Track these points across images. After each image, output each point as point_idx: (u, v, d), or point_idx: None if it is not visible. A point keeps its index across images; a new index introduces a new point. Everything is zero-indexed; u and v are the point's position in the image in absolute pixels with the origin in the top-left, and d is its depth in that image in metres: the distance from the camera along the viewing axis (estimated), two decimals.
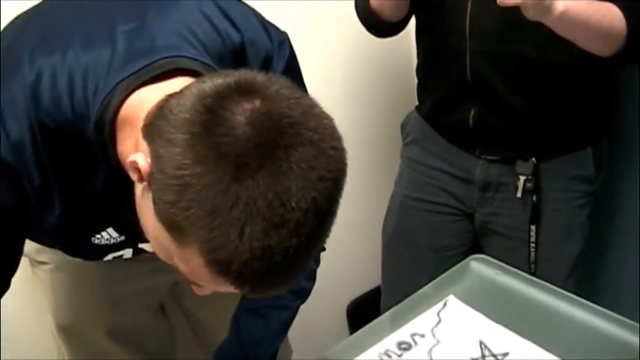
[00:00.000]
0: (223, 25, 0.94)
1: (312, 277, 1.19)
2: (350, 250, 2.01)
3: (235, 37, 0.95)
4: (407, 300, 1.29)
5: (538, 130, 1.48)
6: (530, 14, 1.19)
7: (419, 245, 1.69)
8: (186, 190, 0.68)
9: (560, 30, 1.27)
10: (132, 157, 0.76)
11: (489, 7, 1.38)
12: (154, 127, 0.75)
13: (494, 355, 1.13)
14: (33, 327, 1.51)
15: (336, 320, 2.21)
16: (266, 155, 0.68)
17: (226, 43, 0.94)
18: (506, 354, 1.13)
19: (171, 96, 0.76)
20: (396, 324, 1.22)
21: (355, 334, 1.26)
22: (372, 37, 1.59)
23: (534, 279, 1.30)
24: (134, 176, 0.77)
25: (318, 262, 1.24)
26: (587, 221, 1.58)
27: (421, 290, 1.31)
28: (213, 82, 0.73)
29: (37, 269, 1.31)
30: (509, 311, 1.22)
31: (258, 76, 0.74)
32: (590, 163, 1.52)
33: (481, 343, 1.15)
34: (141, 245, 1.04)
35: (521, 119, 1.46)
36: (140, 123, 0.78)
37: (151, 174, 0.73)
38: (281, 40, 1.01)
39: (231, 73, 0.74)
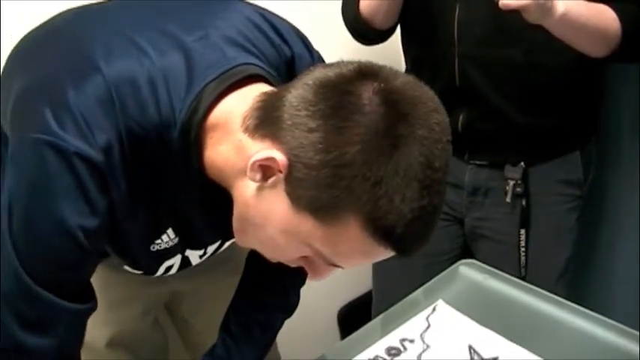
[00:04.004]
0: (275, 37, 0.98)
1: (298, 293, 1.23)
2: None
3: (287, 50, 0.98)
4: (397, 305, 1.29)
5: (527, 134, 1.48)
6: (532, 17, 1.20)
7: None
8: (345, 169, 0.74)
9: (558, 32, 1.28)
10: (262, 155, 0.79)
11: (477, 12, 1.39)
12: (273, 123, 0.80)
13: None
14: None
15: (328, 325, 2.20)
16: (408, 123, 0.75)
17: (280, 54, 0.97)
18: (495, 358, 1.12)
19: (275, 93, 0.83)
20: (386, 329, 1.22)
21: (345, 340, 1.25)
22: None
23: (523, 283, 1.30)
24: (256, 176, 0.80)
25: None
26: (576, 225, 1.58)
27: (411, 295, 1.31)
28: (334, 71, 0.79)
29: None
30: (498, 316, 1.22)
31: (372, 63, 0.81)
32: (579, 166, 1.53)
33: (470, 347, 1.15)
34: (188, 252, 1.03)
35: (510, 123, 1.47)
36: (232, 128, 0.84)
37: (289, 167, 0.77)
38: (318, 55, 1.05)
39: (350, 62, 0.81)
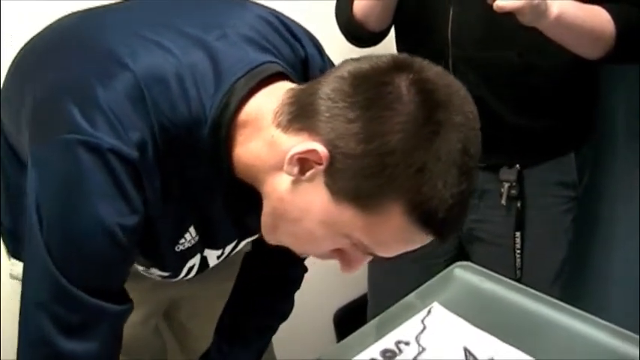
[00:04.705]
0: (289, 36, 0.98)
1: (293, 298, 1.24)
2: None
3: (301, 50, 0.99)
4: (392, 308, 1.29)
5: (522, 136, 1.48)
6: (527, 19, 1.20)
7: (404, 253, 1.69)
8: (388, 157, 0.76)
9: (553, 34, 1.28)
10: (302, 148, 0.80)
11: (471, 14, 1.39)
12: (309, 117, 0.81)
13: None
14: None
15: (324, 328, 2.20)
16: (446, 111, 0.77)
17: (295, 54, 0.98)
18: None
19: (307, 88, 0.84)
20: (381, 332, 1.22)
21: (341, 343, 1.25)
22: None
23: (519, 285, 1.30)
24: (294, 170, 0.81)
25: (305, 270, 1.24)
26: (571, 226, 1.58)
27: (406, 298, 1.31)
28: (367, 63, 0.81)
29: None
30: (493, 318, 1.21)
31: (404, 55, 0.83)
32: (574, 168, 1.53)
33: (466, 349, 1.15)
34: (206, 252, 1.02)
35: (505, 125, 1.47)
36: (263, 124, 0.85)
37: (330, 158, 0.78)
38: (328, 58, 1.06)
39: (382, 55, 0.82)
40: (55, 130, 0.81)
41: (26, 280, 0.85)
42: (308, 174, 0.81)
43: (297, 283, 1.24)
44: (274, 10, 1.02)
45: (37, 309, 0.83)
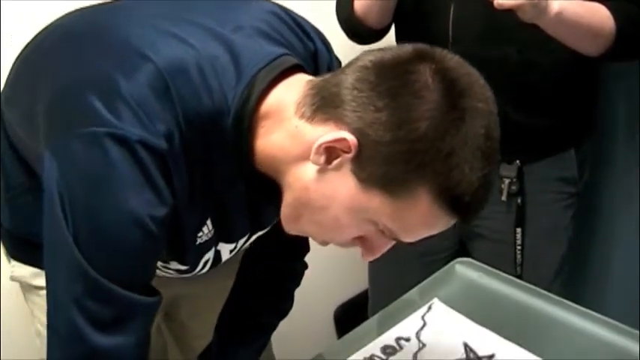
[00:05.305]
0: (298, 31, 0.99)
1: (292, 296, 1.24)
2: (337, 254, 1.99)
3: (311, 45, 1.00)
4: (393, 304, 1.29)
5: (522, 132, 1.48)
6: (527, 16, 1.21)
7: (405, 249, 1.68)
8: (418, 144, 0.77)
9: (553, 31, 1.28)
10: (330, 137, 0.80)
11: (472, 11, 1.39)
12: (334, 107, 0.82)
13: (479, 358, 1.13)
14: (23, 329, 1.49)
15: (324, 325, 2.20)
16: (469, 98, 0.80)
17: (306, 48, 0.99)
18: (491, 356, 1.13)
19: (329, 79, 0.85)
20: (382, 328, 1.22)
21: (341, 339, 1.25)
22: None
23: (519, 281, 1.31)
24: (320, 159, 0.82)
25: (305, 266, 1.24)
26: (571, 222, 1.58)
27: (407, 294, 1.31)
28: (389, 54, 0.83)
29: (32, 295, 1.15)
30: (494, 314, 1.22)
31: (425, 45, 0.84)
32: (574, 164, 1.53)
33: (466, 345, 1.15)
34: (220, 246, 1.01)
35: (505, 122, 1.45)
36: (286, 115, 0.85)
37: (359, 146, 0.79)
38: (335, 54, 1.07)
39: (403, 46, 0.84)
40: (78, 124, 0.80)
41: (53, 278, 0.83)
42: (335, 163, 0.82)
43: (297, 280, 1.24)
44: (282, 6, 1.03)
45: (68, 306, 0.81)
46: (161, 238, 0.84)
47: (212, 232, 0.95)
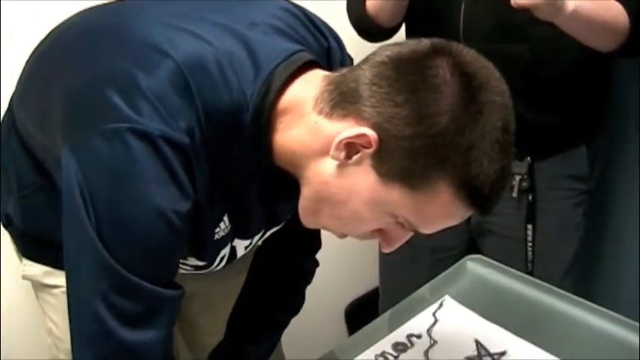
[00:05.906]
0: (311, 27, 1.00)
1: (304, 293, 1.25)
2: (348, 251, 2.00)
3: (323, 40, 1.00)
4: (404, 301, 1.29)
5: (533, 129, 1.47)
6: (544, 15, 1.21)
7: (416, 246, 1.69)
8: (439, 138, 0.78)
9: (568, 28, 1.28)
10: (351, 133, 0.81)
11: (483, 8, 1.39)
12: (353, 102, 0.82)
13: (490, 355, 1.13)
14: (33, 327, 1.51)
15: (335, 322, 2.20)
16: (486, 92, 0.80)
17: (320, 44, 0.99)
18: (502, 353, 1.13)
19: (346, 74, 0.85)
20: (393, 325, 1.22)
21: (352, 336, 1.25)
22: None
23: (530, 278, 1.30)
24: (340, 155, 0.83)
25: (316, 264, 1.25)
26: (582, 219, 1.58)
27: (418, 291, 1.31)
28: (406, 49, 0.83)
29: (44, 294, 1.15)
30: (505, 311, 1.22)
31: (441, 40, 0.85)
32: (585, 161, 1.53)
33: (477, 342, 1.15)
34: (236, 242, 1.01)
35: (517, 119, 1.46)
36: (304, 110, 0.86)
37: (379, 141, 0.80)
38: (346, 51, 1.07)
39: (419, 40, 0.85)
40: (99, 121, 0.80)
41: (76, 275, 0.83)
42: (355, 158, 0.83)
43: (308, 277, 1.25)
44: (294, 2, 1.03)
45: (94, 304, 0.81)
46: (184, 233, 0.84)
47: (229, 227, 0.95)
